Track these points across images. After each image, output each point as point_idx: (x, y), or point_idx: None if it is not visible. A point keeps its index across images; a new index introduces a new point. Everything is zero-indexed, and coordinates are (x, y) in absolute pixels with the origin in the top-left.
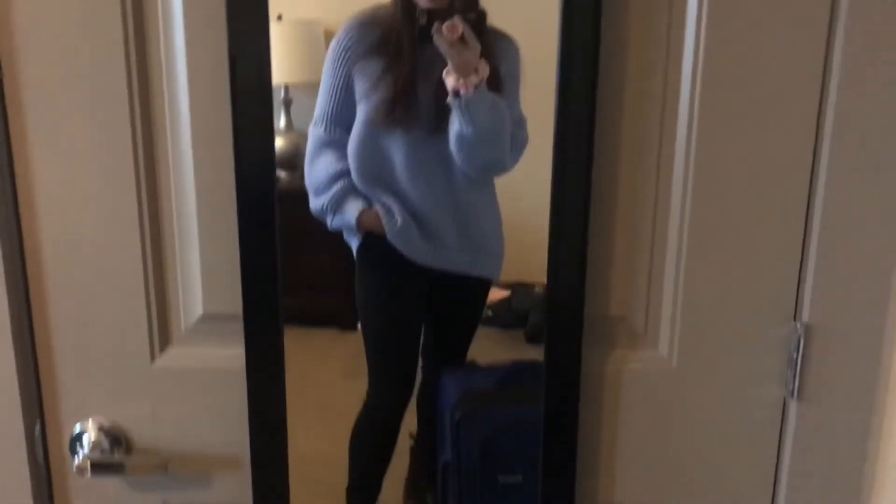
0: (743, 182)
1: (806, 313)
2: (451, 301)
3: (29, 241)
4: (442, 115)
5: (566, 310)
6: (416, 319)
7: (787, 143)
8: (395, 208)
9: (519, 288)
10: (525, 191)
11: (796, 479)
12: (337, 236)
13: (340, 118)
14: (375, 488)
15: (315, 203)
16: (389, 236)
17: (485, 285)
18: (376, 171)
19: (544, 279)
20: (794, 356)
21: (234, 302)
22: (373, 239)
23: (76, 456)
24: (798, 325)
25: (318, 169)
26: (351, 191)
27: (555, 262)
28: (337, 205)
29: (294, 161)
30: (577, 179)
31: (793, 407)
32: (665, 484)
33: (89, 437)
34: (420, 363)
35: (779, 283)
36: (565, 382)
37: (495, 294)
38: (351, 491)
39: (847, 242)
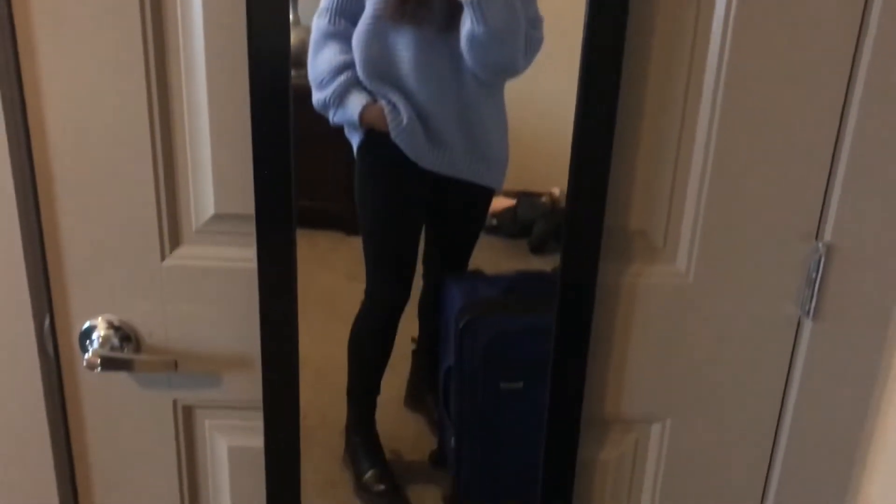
0: (773, 100)
1: (829, 233)
2: (453, 208)
3: (36, 138)
4: (454, 12)
5: (585, 221)
6: (415, 222)
7: (820, 61)
8: (401, 106)
9: (525, 197)
10: (536, 96)
11: (805, 399)
12: (344, 139)
13: (346, 10)
14: (374, 389)
15: (317, 96)
16: (393, 135)
17: (487, 193)
18: (383, 67)
19: (551, 188)
20: (814, 275)
21: (245, 202)
22: (375, 137)
23: (86, 352)
24: (820, 245)
25: (321, 61)
26: (355, 84)
27: (576, 173)
28: (339, 98)
29: (301, 58)
30: (604, 89)
31: (807, 326)
32: (673, 399)
33: (99, 334)
34: (421, 270)
35: (804, 202)
36: (580, 293)
37: (500, 203)
38: (351, 392)
39: (877, 163)
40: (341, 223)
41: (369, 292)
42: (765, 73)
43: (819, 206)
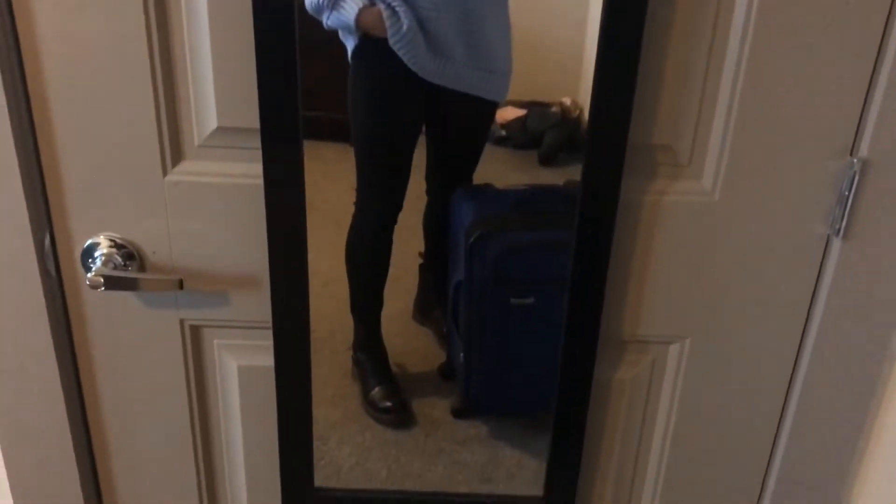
0: (811, 7)
1: (865, 148)
2: (454, 121)
3: (28, 53)
4: None
5: (608, 135)
6: (409, 134)
7: None
8: (401, 11)
9: (535, 107)
10: (546, 4)
11: (829, 320)
12: (345, 51)
13: None
14: (376, 304)
15: None
16: (392, 41)
17: (490, 106)
18: None
19: (562, 98)
20: (846, 193)
21: (250, 115)
22: (370, 42)
23: (89, 270)
24: (854, 161)
25: None
26: None
27: (600, 85)
28: (334, 0)
29: None
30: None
31: (835, 246)
32: (694, 319)
33: (101, 252)
34: (424, 186)
35: (840, 115)
36: (602, 209)
37: (510, 113)
38: (354, 307)
39: None
40: (346, 134)
41: (359, 204)
42: None
43: (856, 120)
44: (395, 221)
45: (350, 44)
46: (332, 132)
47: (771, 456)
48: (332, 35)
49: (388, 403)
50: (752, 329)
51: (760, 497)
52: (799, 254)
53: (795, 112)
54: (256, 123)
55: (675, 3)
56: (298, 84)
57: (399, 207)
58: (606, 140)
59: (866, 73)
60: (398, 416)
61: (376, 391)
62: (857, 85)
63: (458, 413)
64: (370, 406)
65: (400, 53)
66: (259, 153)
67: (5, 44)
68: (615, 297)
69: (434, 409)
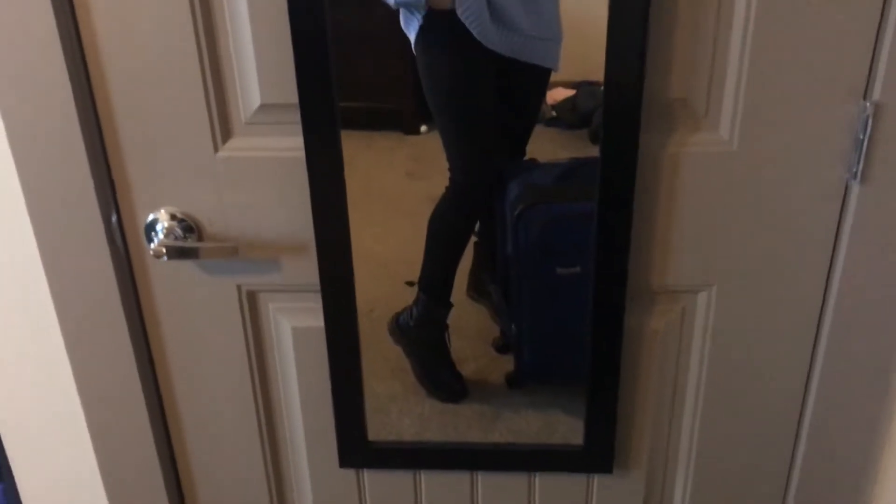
0: None
1: (877, 91)
2: (515, 92)
3: (88, 42)
4: None
5: (624, 91)
6: (487, 102)
7: None
8: None
9: (584, 87)
10: None
11: (852, 264)
12: (398, 39)
13: None
14: (448, 279)
15: None
16: (460, 11)
17: (546, 74)
18: None
19: None
20: (861, 137)
21: (290, 92)
22: (436, 18)
23: (152, 242)
24: (868, 104)
25: None
26: None
27: (614, 43)
28: None
29: None
30: None
31: (854, 190)
32: (719, 268)
33: (163, 225)
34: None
35: (850, 59)
36: (621, 166)
37: (559, 93)
38: (427, 281)
39: None
40: (399, 123)
41: (453, 177)
42: None
43: (867, 64)
44: (489, 192)
45: (414, 25)
46: (386, 121)
47: (804, 401)
48: (380, 28)
49: (444, 378)
50: (777, 274)
51: (795, 443)
52: (819, 198)
53: (806, 58)
54: (296, 99)
55: None
56: (331, 61)
57: (493, 177)
58: (622, 96)
59: (875, 17)
60: (453, 390)
61: (432, 367)
62: (867, 29)
63: (513, 383)
64: (426, 380)
65: (467, 23)
66: (300, 127)
67: (68, 37)
68: (642, 248)
69: (489, 379)
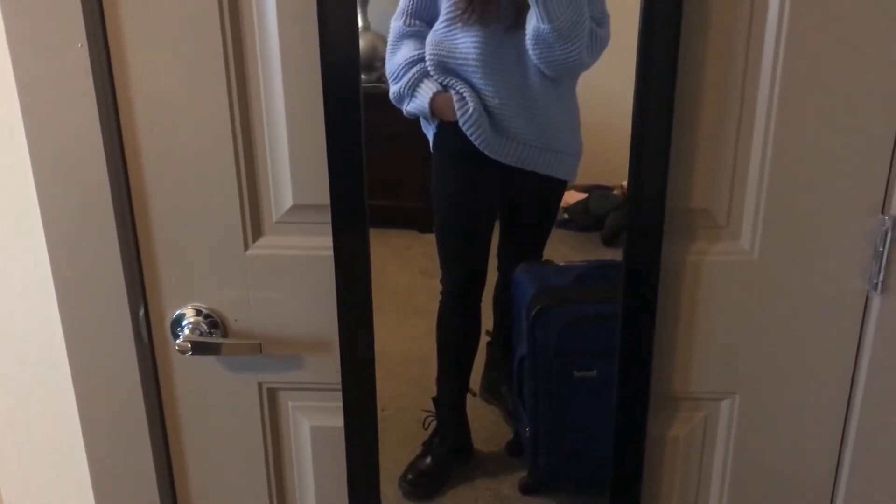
0: (835, 73)
1: (895, 206)
2: (525, 200)
3: (128, 143)
4: (521, 10)
5: (647, 201)
6: (487, 213)
7: (885, 31)
8: (468, 96)
9: (597, 190)
10: (606, 90)
11: (876, 374)
12: (417, 142)
13: (421, 11)
14: (464, 377)
15: (393, 89)
16: (461, 122)
17: (559, 185)
18: (451, 62)
19: (624, 182)
20: (881, 249)
21: (321, 194)
22: (447, 128)
23: (177, 337)
24: (886, 218)
25: (397, 57)
26: (426, 76)
27: (637, 154)
28: (412, 88)
29: (371, 62)
30: (662, 68)
31: (875, 301)
32: (742, 376)
33: (189, 321)
34: (496, 263)
35: (869, 175)
36: (645, 274)
37: (572, 196)
38: (441, 380)
39: None
40: (415, 222)
41: (444, 284)
42: (825, 46)
43: (885, 179)
44: (479, 300)
45: (430, 132)
46: (402, 219)
47: None
48: (402, 130)
49: (411, 476)
50: (800, 383)
51: None
52: (840, 309)
53: (825, 172)
54: (328, 200)
55: (703, 77)
56: (363, 165)
57: (481, 286)
58: (646, 207)
59: (891, 134)
60: (418, 488)
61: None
62: (883, 143)
63: (527, 489)
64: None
65: (468, 134)
66: (330, 227)
67: (110, 139)
68: (664, 355)
69: (502, 486)
